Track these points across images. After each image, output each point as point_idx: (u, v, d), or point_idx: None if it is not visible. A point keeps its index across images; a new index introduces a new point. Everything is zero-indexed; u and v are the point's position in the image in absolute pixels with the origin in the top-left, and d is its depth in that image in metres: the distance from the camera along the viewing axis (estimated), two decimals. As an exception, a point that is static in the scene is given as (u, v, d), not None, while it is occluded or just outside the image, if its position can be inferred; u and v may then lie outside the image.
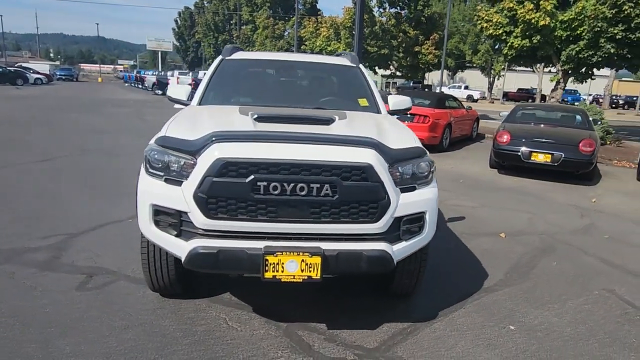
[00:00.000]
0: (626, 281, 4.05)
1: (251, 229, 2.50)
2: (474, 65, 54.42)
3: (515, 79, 60.80)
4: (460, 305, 3.40)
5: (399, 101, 4.12)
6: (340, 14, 26.76)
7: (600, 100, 49.04)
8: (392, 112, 4.06)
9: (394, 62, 23.24)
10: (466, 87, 52.35)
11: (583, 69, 13.54)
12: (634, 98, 51.71)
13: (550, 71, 20.27)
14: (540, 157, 8.04)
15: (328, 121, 2.96)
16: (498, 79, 56.30)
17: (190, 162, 2.53)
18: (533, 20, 12.67)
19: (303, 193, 2.44)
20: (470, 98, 47.77)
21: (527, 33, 13.23)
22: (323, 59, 4.42)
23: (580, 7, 12.11)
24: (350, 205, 2.50)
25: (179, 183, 2.56)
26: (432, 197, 2.79)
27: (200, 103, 3.76)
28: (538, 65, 48.58)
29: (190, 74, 31.29)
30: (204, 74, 4.56)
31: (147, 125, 13.09)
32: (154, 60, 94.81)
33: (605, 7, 11.52)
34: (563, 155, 7.86)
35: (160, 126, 3.04)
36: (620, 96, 53.89)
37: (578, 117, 9.35)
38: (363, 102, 4.00)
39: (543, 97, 52.67)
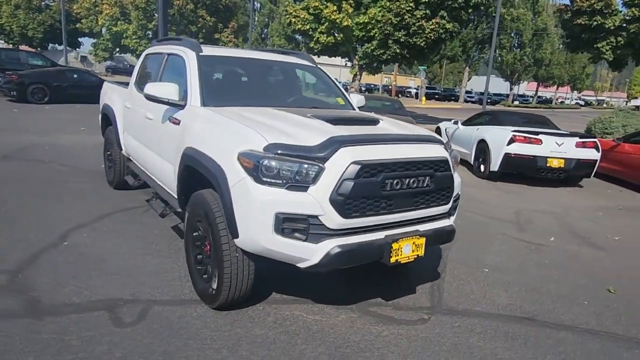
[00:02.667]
0: (504, 225, 5.72)
1: (374, 222, 2.79)
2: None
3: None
4: (444, 261, 4.33)
5: (359, 99, 4.69)
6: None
7: (351, 87, 58.58)
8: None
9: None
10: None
11: (375, 65, 16.40)
12: (372, 86, 63.69)
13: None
14: (382, 140, 9.74)
15: (376, 122, 3.38)
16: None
17: (317, 168, 2.62)
18: (337, 21, 14.57)
19: (415, 185, 2.87)
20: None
21: (331, 31, 15.11)
22: (288, 58, 4.53)
23: (373, 13, 14.60)
24: (437, 192, 3.06)
25: (305, 189, 2.61)
26: (460, 181, 3.57)
27: (204, 104, 3.53)
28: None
29: None
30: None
31: None
32: None
33: (391, 15, 14.24)
34: (399, 138, 9.73)
35: None
36: (362, 84, 65.24)
37: (396, 105, 11.57)
38: (340, 100, 4.43)
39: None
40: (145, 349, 2.64)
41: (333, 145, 2.66)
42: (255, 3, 57.15)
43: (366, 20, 14.80)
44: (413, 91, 59.34)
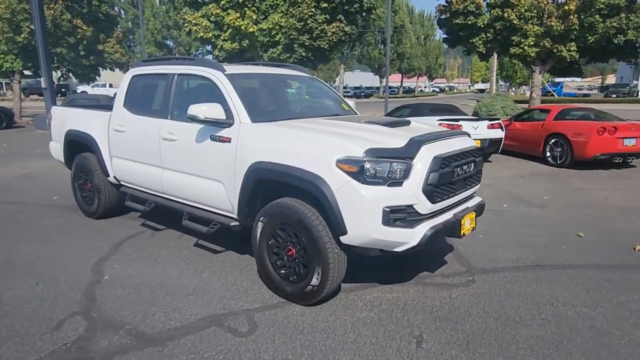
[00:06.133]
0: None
1: (444, 204, 3.37)
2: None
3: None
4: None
5: (353, 104, 5.22)
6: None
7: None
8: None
9: (64, 63, 20.45)
10: (110, 85, 50.30)
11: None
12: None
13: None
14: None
15: (409, 122, 3.96)
16: (139, 76, 56.86)
17: (408, 165, 3.10)
18: (242, 27, 14.74)
19: (468, 170, 3.52)
20: (109, 96, 46.45)
21: (236, 37, 15.21)
22: (293, 72, 4.82)
23: (276, 19, 15.05)
24: (476, 174, 3.76)
25: (401, 183, 3.08)
26: None
27: (254, 121, 3.74)
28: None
29: None
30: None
31: None
32: None
33: (294, 20, 14.86)
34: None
35: None
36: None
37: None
38: (344, 106, 4.91)
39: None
40: (285, 347, 2.88)
41: (415, 145, 3.17)
42: (117, 8, 53.37)
43: (270, 27, 15.21)
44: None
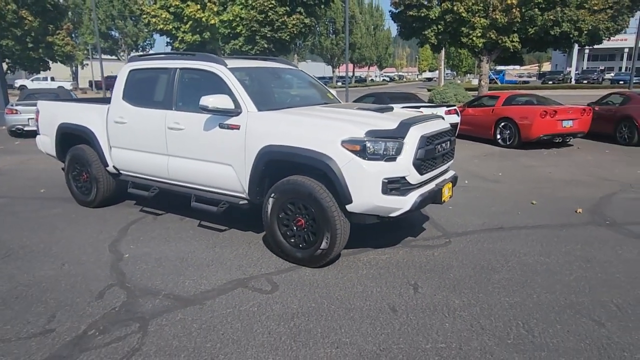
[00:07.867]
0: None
1: (430, 176, 4.02)
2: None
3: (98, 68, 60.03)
4: (421, 208, 5.79)
5: (335, 93, 5.77)
6: None
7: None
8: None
9: (11, 56, 19.52)
10: (52, 79, 47.76)
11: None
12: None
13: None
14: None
15: (392, 108, 4.57)
16: (82, 69, 54.35)
17: (400, 143, 3.71)
18: (204, 19, 14.83)
19: (445, 147, 4.19)
20: (62, 89, 44.16)
21: (197, 29, 15.28)
22: (282, 65, 5.27)
23: (237, 11, 15.24)
24: (451, 151, 4.43)
25: (395, 159, 3.68)
26: None
27: (259, 110, 4.20)
28: (122, 53, 50.74)
29: None
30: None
31: None
32: None
33: (255, 12, 15.12)
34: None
35: None
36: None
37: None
38: (330, 95, 5.45)
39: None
40: (307, 298, 3.43)
41: (405, 126, 3.78)
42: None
43: (231, 18, 15.37)
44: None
